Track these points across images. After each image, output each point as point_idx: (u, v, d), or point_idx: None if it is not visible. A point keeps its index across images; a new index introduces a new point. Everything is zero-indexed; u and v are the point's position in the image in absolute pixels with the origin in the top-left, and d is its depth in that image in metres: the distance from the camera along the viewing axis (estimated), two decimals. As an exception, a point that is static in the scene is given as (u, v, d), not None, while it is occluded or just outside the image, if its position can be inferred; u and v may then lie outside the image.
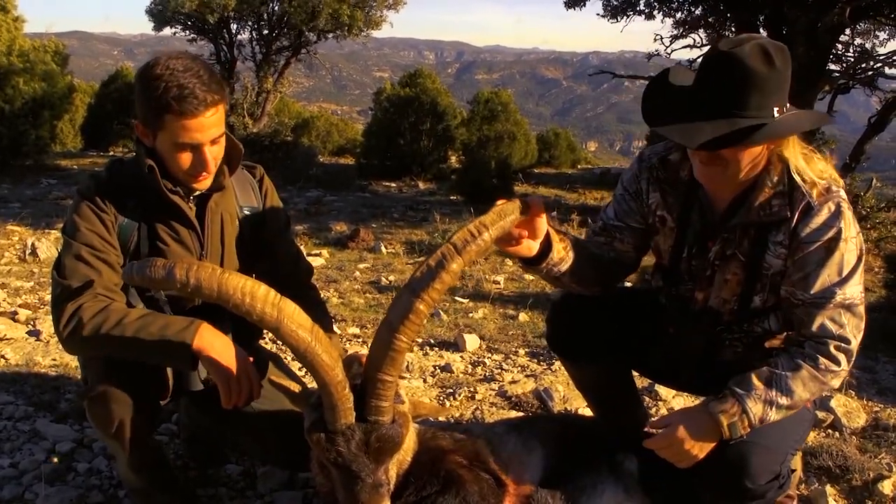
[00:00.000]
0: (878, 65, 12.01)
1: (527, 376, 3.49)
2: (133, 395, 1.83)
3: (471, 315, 4.69)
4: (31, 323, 4.00)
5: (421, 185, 13.78)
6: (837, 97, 12.64)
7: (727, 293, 1.88)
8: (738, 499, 1.78)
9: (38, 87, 11.45)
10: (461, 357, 3.79)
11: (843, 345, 1.67)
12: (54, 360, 3.42)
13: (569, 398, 3.16)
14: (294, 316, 1.46)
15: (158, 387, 1.94)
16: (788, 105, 1.64)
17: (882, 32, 12.51)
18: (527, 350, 3.91)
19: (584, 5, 12.94)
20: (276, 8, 16.02)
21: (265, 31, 16.48)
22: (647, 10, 12.71)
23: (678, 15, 12.61)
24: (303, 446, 1.66)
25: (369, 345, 1.59)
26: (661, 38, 13.27)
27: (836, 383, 1.72)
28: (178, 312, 1.94)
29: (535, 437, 1.99)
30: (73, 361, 3.27)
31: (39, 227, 7.39)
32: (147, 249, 1.92)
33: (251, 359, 1.84)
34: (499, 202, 1.58)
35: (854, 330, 1.68)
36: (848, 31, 11.65)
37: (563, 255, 1.81)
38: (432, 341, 4.03)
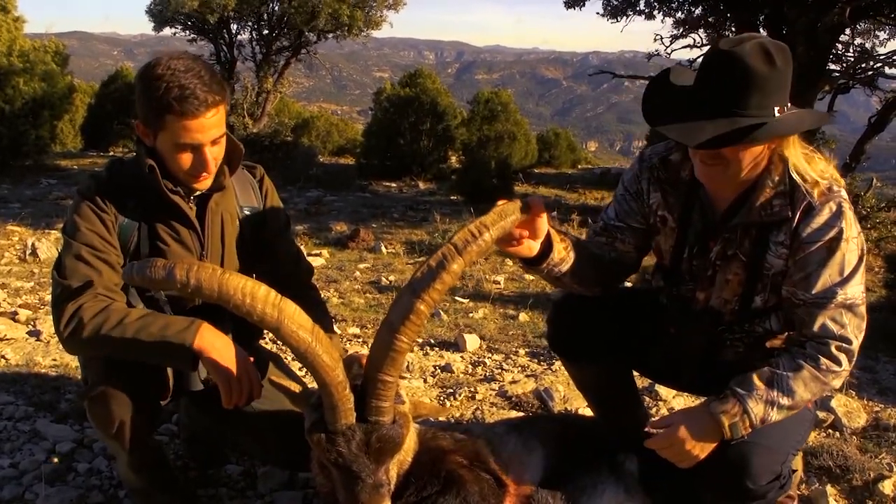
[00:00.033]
0: (878, 65, 12.01)
1: (527, 376, 3.49)
2: (133, 395, 1.83)
3: (471, 315, 4.69)
4: (32, 323, 4.00)
5: (421, 185, 13.78)
6: (837, 97, 12.64)
7: (728, 293, 1.87)
8: (740, 499, 1.78)
9: (38, 87, 11.45)
10: (461, 357, 3.79)
11: (844, 345, 1.67)
12: (54, 360, 3.42)
13: (569, 398, 3.16)
14: (295, 316, 1.46)
15: (158, 387, 1.94)
16: (789, 105, 1.64)
17: (882, 32, 12.51)
18: (527, 350, 3.91)
19: (584, 5, 12.94)
20: (276, 8, 16.03)
21: (265, 31, 16.49)
22: (647, 10, 12.70)
23: (678, 15, 12.60)
24: (303, 446, 1.66)
25: (369, 345, 1.59)
26: (661, 38, 13.27)
27: (837, 383, 1.72)
28: (179, 312, 1.94)
29: (536, 437, 1.99)
30: (73, 361, 3.26)
31: (39, 228, 7.39)
32: (147, 249, 1.92)
33: (251, 359, 1.84)
34: (499, 202, 1.58)
35: (855, 330, 1.68)
36: (848, 31, 11.65)
37: (563, 256, 1.81)
38: (432, 341, 4.03)
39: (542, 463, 1.92)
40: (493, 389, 3.31)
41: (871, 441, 2.81)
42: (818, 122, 1.95)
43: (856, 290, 1.68)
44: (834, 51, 11.27)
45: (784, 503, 2.12)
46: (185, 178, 1.89)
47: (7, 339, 3.70)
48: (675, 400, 3.19)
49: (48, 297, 4.33)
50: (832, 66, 11.67)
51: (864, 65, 12.15)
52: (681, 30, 12.81)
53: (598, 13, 13.17)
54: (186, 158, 1.83)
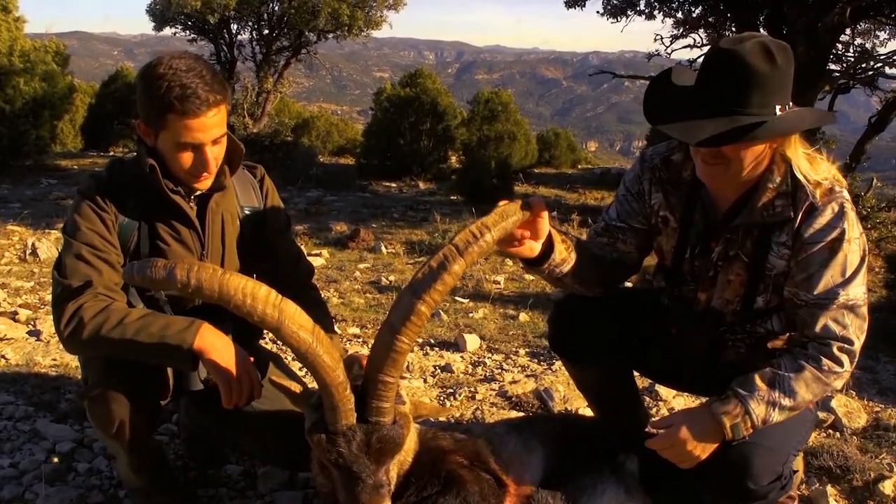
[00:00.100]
0: (879, 65, 12.01)
1: (527, 376, 3.49)
2: (133, 395, 1.83)
3: (471, 315, 4.69)
4: (32, 323, 4.00)
5: (421, 185, 13.78)
6: (837, 97, 12.64)
7: (730, 294, 1.87)
8: (741, 499, 1.78)
9: (38, 87, 11.45)
10: (461, 357, 3.79)
11: (846, 346, 1.67)
12: (54, 360, 3.42)
13: (569, 398, 3.16)
14: (295, 317, 1.46)
15: (158, 387, 1.94)
16: (791, 104, 1.64)
17: (882, 32, 12.52)
18: (527, 350, 3.91)
19: (585, 5, 12.94)
20: (276, 8, 16.03)
21: (265, 32, 16.48)
22: (647, 10, 12.70)
23: (678, 15, 12.60)
24: (303, 446, 1.66)
25: (370, 345, 1.59)
26: (662, 38, 13.27)
27: (838, 384, 1.72)
28: (179, 312, 1.94)
29: (536, 437, 1.99)
30: (73, 361, 3.26)
31: (39, 228, 7.38)
32: (147, 249, 1.92)
33: (252, 359, 1.84)
34: (501, 203, 1.58)
35: (857, 331, 1.68)
36: (848, 31, 11.65)
37: (565, 256, 1.81)
38: (432, 341, 4.03)
39: (542, 463, 1.92)
40: (493, 389, 3.31)
41: (871, 441, 2.81)
42: (820, 121, 1.95)
43: (858, 291, 1.68)
44: (834, 51, 11.27)
45: (785, 503, 2.12)
46: (186, 178, 1.89)
47: (7, 339, 3.70)
48: (675, 400, 3.19)
49: (48, 297, 4.33)
50: (832, 66, 11.68)
51: (864, 65, 12.16)
52: (681, 30, 12.81)
53: (598, 13, 13.18)
54: (187, 158, 1.83)
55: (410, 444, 1.73)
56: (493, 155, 12.60)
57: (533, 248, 1.72)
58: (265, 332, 2.09)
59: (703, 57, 1.86)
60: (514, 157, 14.39)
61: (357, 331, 4.25)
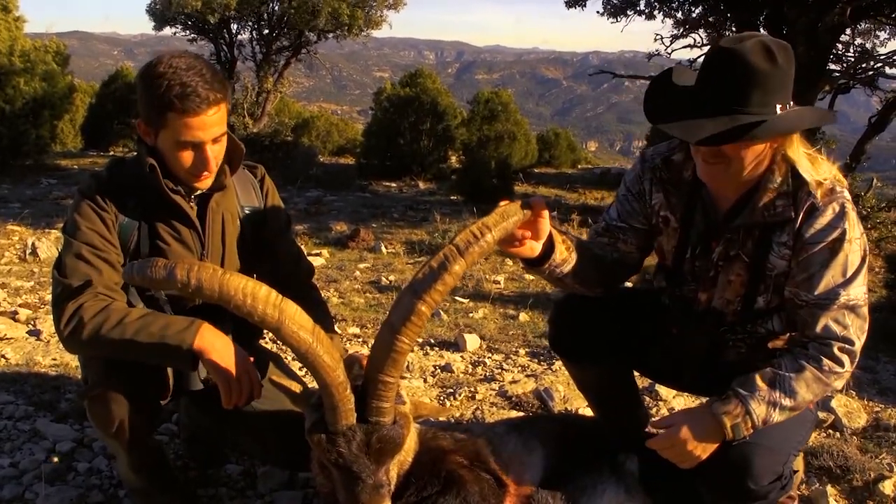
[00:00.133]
0: (879, 65, 12.01)
1: (527, 376, 3.49)
2: (133, 394, 1.83)
3: (471, 315, 4.69)
4: (32, 323, 4.00)
5: (421, 185, 13.78)
6: (837, 97, 12.63)
7: (731, 294, 1.87)
8: (741, 499, 1.78)
9: (38, 87, 11.45)
10: (461, 357, 3.79)
11: (846, 346, 1.67)
12: (54, 359, 3.42)
13: (569, 398, 3.16)
14: (295, 317, 1.46)
15: (158, 386, 1.93)
16: (792, 103, 1.64)
17: (882, 32, 12.51)
18: (527, 350, 3.91)
19: (585, 5, 12.93)
20: (276, 8, 16.02)
21: (265, 31, 16.47)
22: (647, 10, 12.70)
23: (678, 15, 12.60)
24: (303, 446, 1.66)
25: (370, 345, 1.59)
26: (662, 38, 13.27)
27: (839, 384, 1.72)
28: (179, 312, 1.94)
29: (536, 437, 1.99)
30: (73, 361, 3.26)
31: (39, 227, 7.38)
32: (147, 249, 1.92)
33: (251, 359, 1.84)
34: (501, 203, 1.58)
35: (858, 331, 1.68)
36: (848, 31, 11.64)
37: (565, 256, 1.81)
38: (432, 341, 4.03)
39: (542, 463, 1.92)
40: (493, 389, 3.31)
41: (871, 441, 2.81)
42: (820, 121, 1.95)
43: (858, 291, 1.68)
44: (834, 51, 11.27)
45: (785, 503, 2.12)
46: (186, 177, 1.89)
47: (7, 339, 3.70)
48: (675, 400, 3.19)
49: (48, 297, 4.33)
50: (832, 66, 11.68)
51: (864, 65, 12.15)
52: (681, 30, 12.81)
53: (598, 12, 13.17)
54: (187, 156, 1.83)
55: (410, 444, 1.73)
56: (493, 155, 12.59)
57: (533, 248, 1.72)
58: (265, 332, 2.09)
59: (703, 57, 1.86)
60: (514, 157, 14.38)
61: (357, 330, 4.25)
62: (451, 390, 3.28)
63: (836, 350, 1.67)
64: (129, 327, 1.72)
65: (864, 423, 2.96)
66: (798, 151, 1.71)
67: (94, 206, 1.86)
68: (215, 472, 2.46)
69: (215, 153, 1.86)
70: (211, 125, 1.80)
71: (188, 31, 16.32)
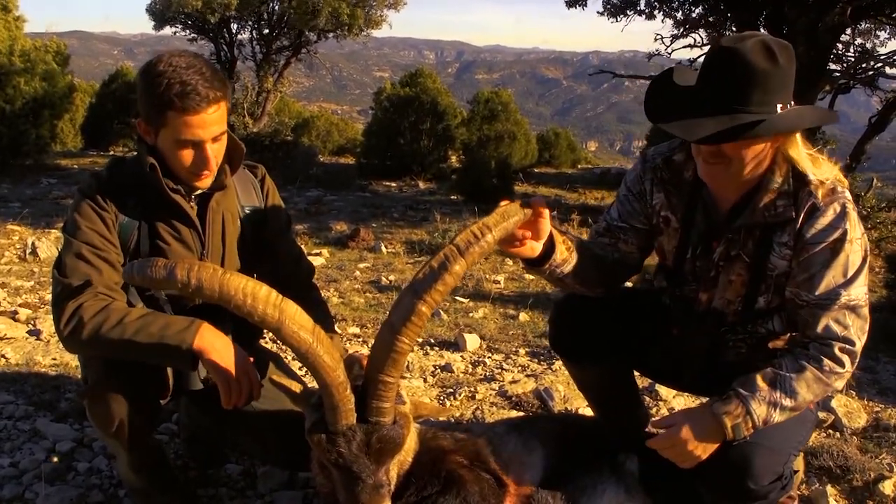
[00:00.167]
0: (879, 65, 12.00)
1: (527, 376, 3.49)
2: (133, 394, 1.83)
3: (471, 315, 4.69)
4: (32, 322, 4.00)
5: (421, 185, 13.78)
6: (838, 97, 12.64)
7: (731, 294, 1.87)
8: (741, 499, 1.78)
9: (38, 86, 11.44)
10: (461, 357, 3.79)
11: (847, 346, 1.67)
12: (54, 359, 3.42)
13: (569, 398, 3.16)
14: (296, 317, 1.45)
15: (158, 386, 1.93)
16: (793, 103, 1.64)
17: (882, 32, 12.51)
18: (527, 350, 3.91)
19: (586, 5, 12.93)
20: (276, 7, 16.02)
21: (265, 31, 16.47)
22: (647, 10, 12.70)
23: (678, 15, 12.60)
24: (303, 446, 1.65)
25: (370, 344, 1.59)
26: (662, 38, 13.26)
27: (839, 385, 1.72)
28: (179, 312, 1.94)
29: (536, 437, 1.98)
30: (73, 361, 3.26)
31: (39, 227, 7.38)
32: (147, 248, 1.92)
33: (251, 359, 1.84)
34: (502, 203, 1.58)
35: (858, 331, 1.68)
36: (848, 31, 11.64)
37: (566, 257, 1.81)
38: (432, 341, 4.02)
39: (542, 463, 1.92)
40: (493, 389, 3.31)
41: (871, 441, 2.81)
42: (821, 120, 1.94)
43: (859, 292, 1.68)
44: (834, 51, 11.27)
45: (785, 503, 2.12)
46: (187, 176, 1.89)
47: (7, 339, 3.70)
48: (675, 400, 3.19)
49: (48, 297, 4.33)
50: (833, 66, 11.67)
51: (864, 65, 12.15)
52: (681, 30, 12.81)
53: (598, 12, 13.17)
54: (187, 155, 1.83)
55: (410, 444, 1.73)
56: (493, 155, 12.60)
57: (534, 248, 1.72)
58: (265, 332, 2.09)
59: (703, 56, 1.86)
60: (514, 156, 14.39)
61: (357, 330, 4.25)
62: (451, 390, 3.28)
63: (836, 350, 1.67)
64: (128, 327, 1.72)
65: (864, 423, 2.96)
66: (800, 151, 1.70)
67: (94, 205, 1.85)
68: (215, 472, 2.46)
69: (215, 152, 1.86)
70: (211, 123, 1.80)
71: (188, 31, 16.32)
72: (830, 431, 2.91)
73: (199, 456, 2.49)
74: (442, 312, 4.57)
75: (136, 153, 1.94)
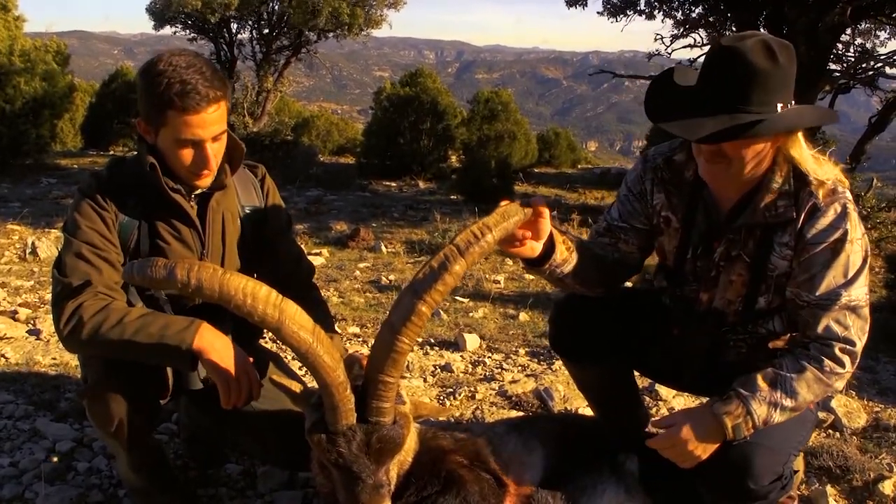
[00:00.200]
0: (879, 65, 12.02)
1: (527, 376, 3.49)
2: (132, 394, 1.83)
3: (471, 315, 4.69)
4: (32, 322, 4.00)
5: (421, 185, 13.78)
6: (838, 97, 12.65)
7: (732, 294, 1.87)
8: (741, 499, 1.78)
9: (38, 86, 11.44)
10: (461, 357, 3.79)
11: (847, 347, 1.67)
12: (54, 359, 3.42)
13: (569, 398, 3.16)
14: (295, 317, 1.45)
15: (158, 386, 1.93)
16: (793, 102, 1.64)
17: (883, 32, 12.53)
18: (527, 350, 3.91)
19: (586, 5, 12.94)
20: (276, 7, 16.02)
21: (265, 31, 16.48)
22: (647, 10, 12.71)
23: (678, 15, 12.61)
24: (303, 446, 1.65)
25: (370, 344, 1.59)
26: (662, 38, 13.28)
27: (840, 385, 1.72)
28: (179, 311, 1.94)
29: (536, 437, 1.98)
30: (73, 360, 3.26)
31: (39, 227, 7.38)
32: (147, 248, 1.92)
33: (251, 359, 1.83)
34: (502, 203, 1.58)
35: (859, 332, 1.68)
36: (848, 31, 11.65)
37: (566, 257, 1.81)
38: (432, 341, 4.02)
39: (542, 463, 1.92)
40: (493, 389, 3.31)
41: (871, 441, 2.81)
42: (821, 120, 1.94)
43: (860, 292, 1.68)
44: (834, 51, 11.27)
45: (785, 503, 2.12)
46: (187, 176, 1.89)
47: (7, 338, 3.70)
48: (675, 400, 3.19)
49: (48, 296, 4.32)
50: (833, 66, 11.69)
51: (864, 65, 12.16)
52: (681, 30, 12.82)
53: (598, 12, 13.19)
54: (187, 155, 1.83)
55: (410, 444, 1.73)
56: (493, 154, 12.60)
57: (534, 248, 1.72)
58: (265, 332, 2.09)
59: (703, 56, 1.86)
60: (514, 156, 14.39)
61: (357, 330, 4.25)
62: (451, 390, 3.28)
63: (837, 351, 1.67)
64: (128, 327, 1.71)
65: (864, 423, 2.95)
66: (802, 152, 1.70)
67: (94, 205, 1.85)
68: (215, 472, 2.46)
69: (215, 151, 1.86)
70: (211, 123, 1.80)
71: (188, 31, 16.33)
72: (830, 431, 2.91)
73: (199, 456, 2.49)
74: (442, 312, 4.57)
75: (135, 153, 1.94)
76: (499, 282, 5.90)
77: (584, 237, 2.05)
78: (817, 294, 1.68)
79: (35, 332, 3.80)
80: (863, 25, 11.96)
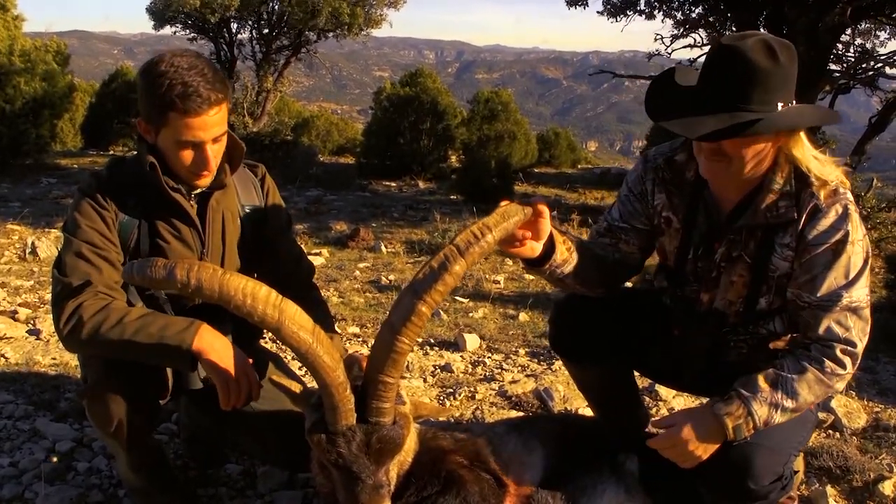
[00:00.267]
0: (879, 65, 12.03)
1: (527, 376, 3.49)
2: (132, 394, 1.83)
3: (471, 315, 4.69)
4: (31, 322, 4.00)
5: (421, 185, 13.78)
6: (837, 97, 12.65)
7: (733, 295, 1.87)
8: (741, 500, 1.78)
9: (38, 86, 11.44)
10: (461, 357, 3.78)
11: (848, 348, 1.67)
12: (54, 359, 3.42)
13: (569, 398, 3.16)
14: (295, 317, 1.45)
15: (158, 386, 1.93)
16: (794, 102, 1.63)
17: (882, 32, 12.54)
18: (527, 350, 3.91)
19: (586, 5, 12.95)
20: (276, 7, 16.02)
21: (265, 31, 16.48)
22: (647, 10, 12.71)
23: (678, 15, 12.61)
24: (303, 446, 1.65)
25: (369, 344, 1.59)
26: (662, 38, 13.28)
27: (840, 386, 1.72)
28: (179, 311, 1.94)
29: (536, 437, 1.98)
30: (72, 360, 3.26)
31: (39, 227, 7.38)
32: (147, 247, 1.92)
33: (251, 360, 1.83)
34: (502, 203, 1.57)
35: (860, 333, 1.68)
36: (848, 31, 11.65)
37: (566, 257, 1.80)
38: (432, 341, 4.02)
39: (542, 463, 1.92)
40: (493, 389, 3.31)
41: (871, 442, 2.81)
42: (822, 119, 1.93)
43: (861, 293, 1.68)
44: (834, 51, 11.28)
45: (785, 503, 2.12)
46: (186, 176, 1.89)
47: (7, 338, 3.70)
48: (675, 400, 3.19)
49: (48, 296, 4.32)
50: (833, 66, 11.70)
51: (864, 65, 12.17)
52: (681, 30, 12.82)
53: (598, 12, 13.19)
54: (188, 155, 1.83)
55: (410, 444, 1.73)
56: (493, 154, 12.60)
57: (534, 248, 1.72)
58: (265, 332, 2.09)
59: (703, 56, 1.86)
60: (514, 156, 14.40)
61: (357, 330, 4.25)
62: (451, 390, 3.28)
63: (838, 352, 1.67)
64: (128, 327, 1.71)
65: (864, 423, 2.95)
66: (805, 152, 1.70)
67: (94, 204, 1.85)
68: (215, 472, 2.46)
69: (215, 152, 1.86)
70: (212, 125, 1.80)
71: (188, 31, 16.34)
72: (830, 432, 2.90)
73: (199, 456, 2.49)
74: (442, 312, 4.56)
75: (135, 152, 1.94)
76: (499, 282, 5.90)
77: (584, 237, 2.04)
78: (818, 295, 1.68)
79: (35, 332, 3.80)
80: (863, 25, 11.97)
